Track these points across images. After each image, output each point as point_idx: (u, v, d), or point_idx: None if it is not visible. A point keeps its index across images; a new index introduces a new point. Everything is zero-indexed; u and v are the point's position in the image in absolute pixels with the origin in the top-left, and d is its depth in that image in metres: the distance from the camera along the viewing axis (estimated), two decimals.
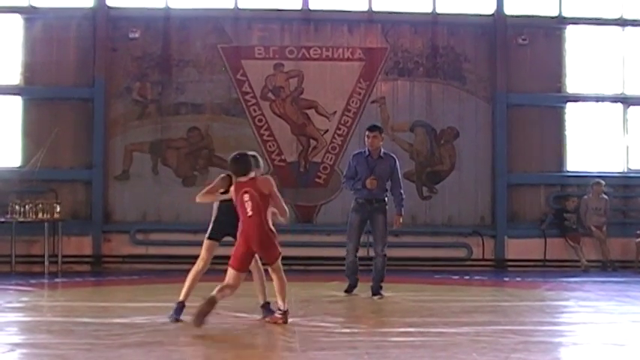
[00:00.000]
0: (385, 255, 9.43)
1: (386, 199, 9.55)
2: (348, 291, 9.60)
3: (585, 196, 14.01)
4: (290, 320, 7.09)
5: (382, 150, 9.62)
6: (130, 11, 14.06)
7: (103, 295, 10.30)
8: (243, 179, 6.87)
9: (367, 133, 9.59)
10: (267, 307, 7.42)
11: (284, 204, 7.03)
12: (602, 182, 13.95)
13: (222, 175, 7.34)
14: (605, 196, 14.01)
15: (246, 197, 6.77)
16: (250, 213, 6.73)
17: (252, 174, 6.93)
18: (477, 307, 8.44)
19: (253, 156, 7.20)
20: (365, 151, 9.62)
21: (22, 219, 12.52)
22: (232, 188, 6.96)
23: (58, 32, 13.83)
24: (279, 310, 7.03)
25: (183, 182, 13.88)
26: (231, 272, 6.84)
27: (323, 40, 14.18)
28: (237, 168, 6.92)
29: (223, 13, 14.10)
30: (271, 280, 7.05)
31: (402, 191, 9.59)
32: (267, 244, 6.84)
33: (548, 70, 14.41)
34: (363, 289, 9.55)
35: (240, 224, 6.82)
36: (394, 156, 9.78)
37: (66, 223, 13.08)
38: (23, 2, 13.80)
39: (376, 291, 9.38)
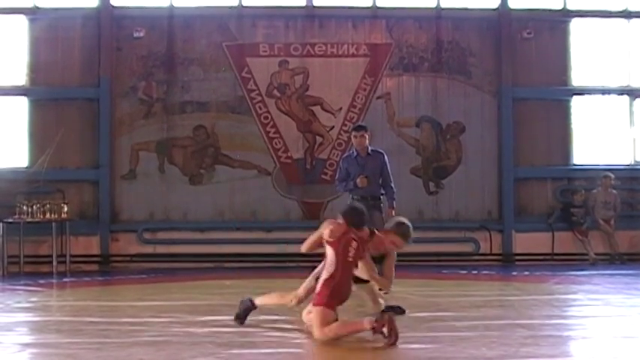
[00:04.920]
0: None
1: (381, 196, 9.61)
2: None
3: (594, 190, 13.98)
4: (298, 317, 7.06)
5: (370, 147, 9.66)
6: (134, 10, 14.08)
7: (112, 294, 10.32)
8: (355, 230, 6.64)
9: (354, 133, 9.64)
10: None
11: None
12: (612, 176, 13.91)
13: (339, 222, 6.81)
14: (614, 191, 13.97)
15: (354, 244, 6.53)
16: (351, 259, 6.49)
17: (365, 229, 6.71)
18: (486, 302, 8.43)
19: (403, 224, 7.00)
20: (353, 152, 9.71)
21: (29, 219, 12.55)
22: (335, 228, 6.59)
23: (63, 32, 13.85)
24: None
25: (190, 181, 13.90)
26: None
27: (327, 37, 14.17)
28: (355, 220, 6.66)
29: (227, 11, 14.10)
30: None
31: (392, 185, 9.66)
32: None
33: (554, 64, 14.36)
34: None
35: (333, 265, 6.44)
36: (382, 151, 9.80)
37: (73, 223, 13.11)
38: (27, 3, 13.83)
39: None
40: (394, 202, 9.65)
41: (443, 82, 14.22)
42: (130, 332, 6.57)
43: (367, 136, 9.62)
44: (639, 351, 5.90)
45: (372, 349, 5.80)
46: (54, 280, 11.72)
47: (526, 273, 12.09)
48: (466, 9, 14.39)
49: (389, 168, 9.68)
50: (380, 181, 9.58)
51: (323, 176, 13.94)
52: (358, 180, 9.37)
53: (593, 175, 14.13)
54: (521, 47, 14.31)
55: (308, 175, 14.00)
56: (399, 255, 9.93)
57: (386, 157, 9.69)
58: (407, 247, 7.03)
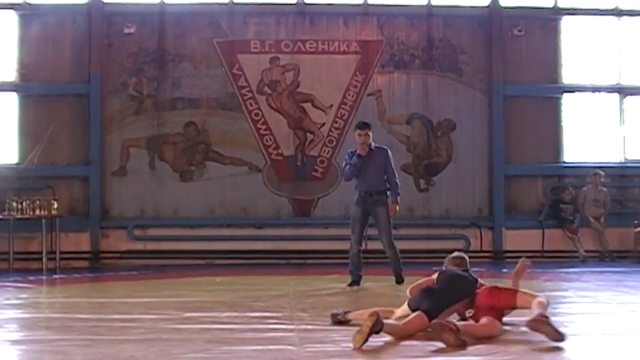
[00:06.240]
0: (393, 244, 9.67)
1: (387, 192, 9.72)
2: (351, 286, 9.64)
3: (584, 187, 14.01)
4: (289, 314, 7.07)
5: (373, 144, 9.72)
6: (125, 6, 14.04)
7: (102, 291, 10.29)
8: None
9: (358, 132, 9.66)
10: None
11: None
12: (602, 173, 13.95)
13: None
14: (604, 188, 14.01)
15: None
16: None
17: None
18: None
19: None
20: (357, 149, 9.72)
21: (19, 216, 12.53)
22: None
23: (54, 28, 13.82)
24: None
25: (181, 177, 13.88)
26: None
27: (318, 34, 14.16)
28: None
29: (218, 7, 14.08)
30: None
31: (396, 180, 9.78)
32: None
33: (545, 61, 14.40)
34: (366, 280, 9.68)
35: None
36: (385, 147, 9.92)
37: (63, 220, 13.08)
38: None
39: (399, 280, 9.58)
40: (398, 197, 9.78)
41: (434, 79, 14.24)
42: (120, 329, 6.54)
43: (370, 134, 9.66)
44: (628, 348, 5.91)
45: (368, 348, 5.79)
46: (44, 277, 11.69)
47: None
48: (457, 6, 14.42)
49: (392, 163, 9.75)
50: (384, 177, 9.69)
51: (314, 173, 13.94)
52: (360, 147, 9.51)
53: (583, 172, 14.17)
54: (512, 45, 14.34)
55: (299, 172, 14.00)
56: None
57: (389, 152, 9.79)
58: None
